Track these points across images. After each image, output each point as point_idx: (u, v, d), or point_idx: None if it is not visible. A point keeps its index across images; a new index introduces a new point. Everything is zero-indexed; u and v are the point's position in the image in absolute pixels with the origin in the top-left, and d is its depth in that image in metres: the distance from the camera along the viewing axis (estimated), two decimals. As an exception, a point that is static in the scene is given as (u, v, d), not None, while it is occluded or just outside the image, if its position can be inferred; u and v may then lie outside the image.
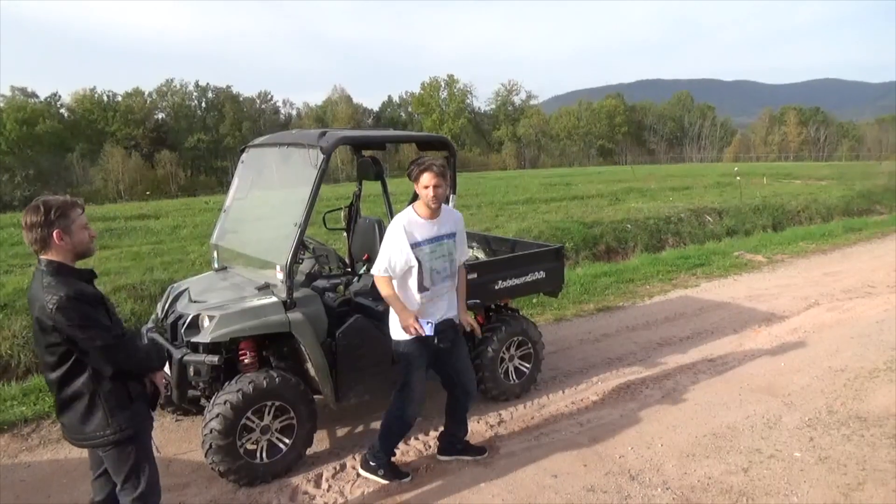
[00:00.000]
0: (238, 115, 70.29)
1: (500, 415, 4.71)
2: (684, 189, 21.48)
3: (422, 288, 3.56)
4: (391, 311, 3.64)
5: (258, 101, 76.13)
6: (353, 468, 3.97)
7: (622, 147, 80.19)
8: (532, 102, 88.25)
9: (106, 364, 2.45)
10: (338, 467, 3.97)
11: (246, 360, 3.87)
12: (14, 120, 54.42)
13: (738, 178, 21.40)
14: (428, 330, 3.46)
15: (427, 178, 3.45)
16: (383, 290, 3.54)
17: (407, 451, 4.16)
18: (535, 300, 7.46)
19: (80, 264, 2.56)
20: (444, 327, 3.63)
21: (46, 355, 2.47)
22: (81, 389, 2.48)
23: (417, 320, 3.46)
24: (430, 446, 4.23)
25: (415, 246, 3.50)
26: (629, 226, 12.70)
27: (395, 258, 3.49)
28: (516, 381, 4.98)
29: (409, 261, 3.49)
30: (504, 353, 4.88)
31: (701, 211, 14.62)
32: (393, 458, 3.91)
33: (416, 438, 4.33)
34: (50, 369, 2.49)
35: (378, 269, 3.52)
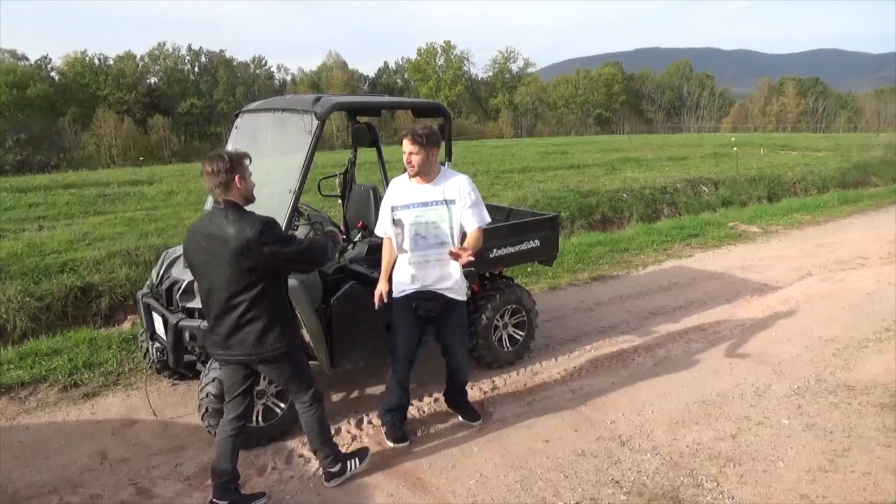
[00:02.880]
0: (232, 81, 69.32)
1: (493, 381, 4.76)
2: (681, 159, 21.44)
3: (400, 250, 3.70)
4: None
5: (252, 66, 75.03)
6: (348, 432, 4.03)
7: (620, 116, 79.64)
8: (530, 70, 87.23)
9: (311, 265, 3.21)
10: (333, 431, 4.01)
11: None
12: (4, 83, 53.53)
13: (735, 148, 21.33)
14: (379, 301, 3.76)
15: (404, 145, 3.58)
16: (383, 252, 3.81)
17: (401, 416, 4.20)
18: (529, 269, 7.49)
19: None
20: (424, 297, 3.71)
21: (238, 282, 2.91)
22: (261, 311, 2.96)
23: (382, 293, 3.75)
24: (423, 412, 4.29)
25: (397, 208, 3.67)
26: (625, 195, 12.69)
27: (383, 218, 3.74)
28: (510, 348, 5.03)
29: (389, 222, 3.70)
30: (498, 320, 4.91)
31: (697, 181, 14.61)
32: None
33: (411, 404, 4.36)
34: (238, 294, 2.93)
35: (378, 231, 3.78)
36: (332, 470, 3.40)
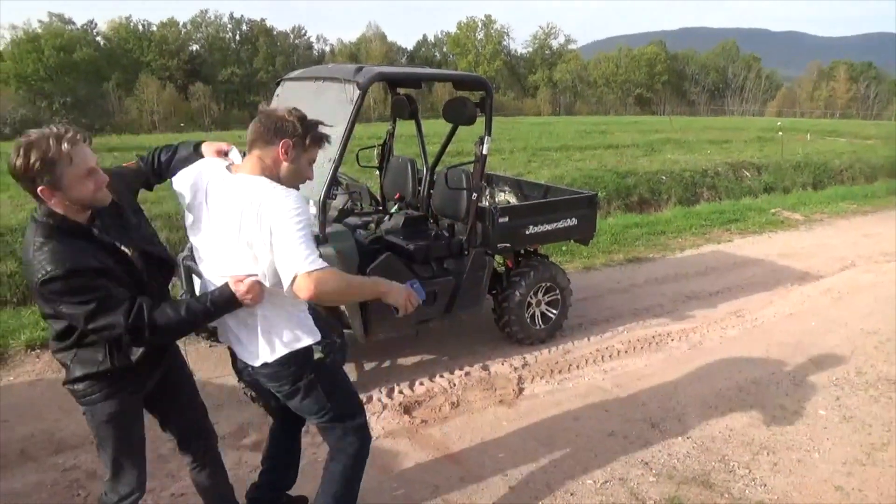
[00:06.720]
0: (272, 50, 69.59)
1: (524, 358, 4.76)
2: (723, 142, 20.88)
3: None
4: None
5: (292, 36, 75.17)
6: (379, 401, 4.08)
7: (661, 97, 77.85)
8: (570, 47, 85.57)
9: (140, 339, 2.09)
10: (364, 399, 4.05)
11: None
12: (52, 46, 54.63)
13: (781, 133, 20.70)
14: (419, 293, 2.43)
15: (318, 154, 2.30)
16: (337, 278, 2.09)
17: (431, 388, 4.25)
18: (564, 247, 7.43)
19: None
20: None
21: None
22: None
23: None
24: (454, 384, 4.31)
25: None
26: (664, 177, 12.45)
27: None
28: (542, 326, 5.02)
29: None
30: (532, 297, 4.89)
31: (739, 165, 14.25)
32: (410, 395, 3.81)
33: (441, 376, 4.41)
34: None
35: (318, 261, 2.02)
36: None
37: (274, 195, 2.07)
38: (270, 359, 2.26)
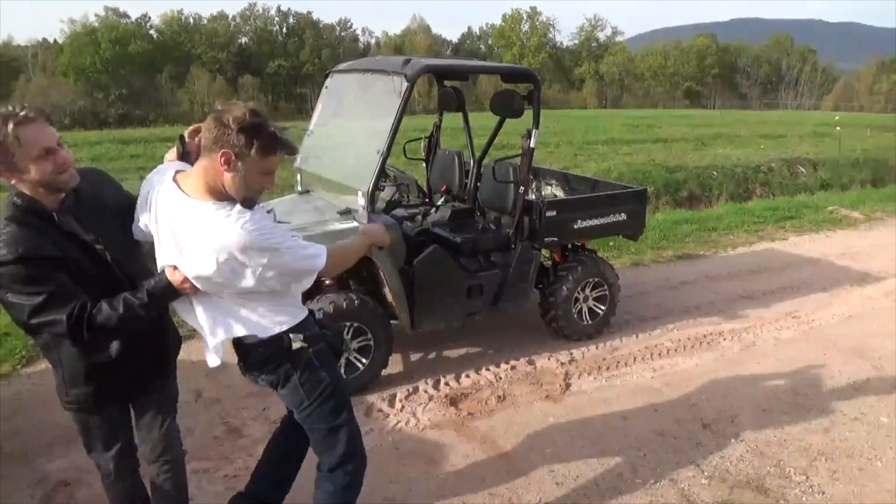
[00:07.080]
0: (318, 42, 70.42)
1: (571, 353, 4.69)
2: (777, 137, 20.31)
3: None
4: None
5: (338, 29, 75.94)
6: (426, 392, 4.08)
7: (711, 90, 75.97)
8: (617, 39, 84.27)
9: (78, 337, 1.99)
10: (411, 390, 4.08)
11: (327, 281, 3.98)
12: (108, 39, 56.51)
13: (839, 128, 19.96)
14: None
15: (276, 163, 2.03)
16: (335, 257, 2.17)
17: (478, 381, 4.23)
18: (611, 243, 7.31)
19: None
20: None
21: None
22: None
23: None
24: (500, 377, 4.28)
25: None
26: (715, 173, 12.16)
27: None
28: (590, 321, 4.94)
29: None
30: (579, 293, 4.82)
31: (794, 161, 13.81)
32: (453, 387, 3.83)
33: (487, 369, 4.39)
34: None
35: (319, 251, 2.10)
36: None
37: (220, 232, 1.89)
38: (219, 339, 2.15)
